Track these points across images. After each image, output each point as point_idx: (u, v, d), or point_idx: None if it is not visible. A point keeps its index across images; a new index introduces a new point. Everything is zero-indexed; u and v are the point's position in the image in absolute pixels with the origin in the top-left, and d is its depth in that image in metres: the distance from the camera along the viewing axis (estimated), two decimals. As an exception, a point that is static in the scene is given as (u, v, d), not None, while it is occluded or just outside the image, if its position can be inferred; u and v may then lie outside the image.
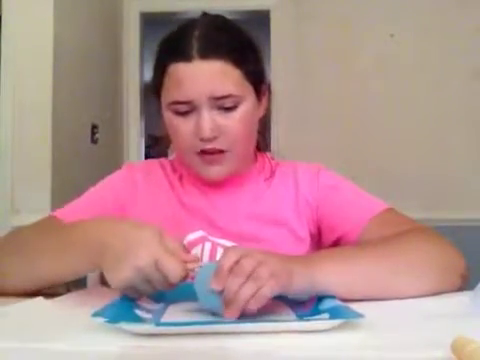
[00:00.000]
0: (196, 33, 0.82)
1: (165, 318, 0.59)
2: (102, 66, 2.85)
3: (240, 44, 0.86)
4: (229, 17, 0.91)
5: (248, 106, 0.84)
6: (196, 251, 0.85)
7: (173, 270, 0.60)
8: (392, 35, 2.98)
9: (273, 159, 1.00)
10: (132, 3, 3.21)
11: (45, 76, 2.13)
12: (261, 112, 0.91)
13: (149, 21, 3.29)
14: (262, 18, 2.99)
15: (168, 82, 0.83)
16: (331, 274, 0.63)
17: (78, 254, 0.69)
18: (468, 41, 2.90)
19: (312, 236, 0.91)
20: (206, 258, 0.84)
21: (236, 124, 0.83)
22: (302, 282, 0.60)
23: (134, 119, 3.21)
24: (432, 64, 2.94)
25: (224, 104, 0.82)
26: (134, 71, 3.20)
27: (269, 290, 0.56)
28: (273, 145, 2.94)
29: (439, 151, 2.90)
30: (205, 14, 0.89)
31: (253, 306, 0.55)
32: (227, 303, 0.56)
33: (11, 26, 2.13)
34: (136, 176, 0.95)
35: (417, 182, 2.86)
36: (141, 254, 0.61)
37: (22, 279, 0.75)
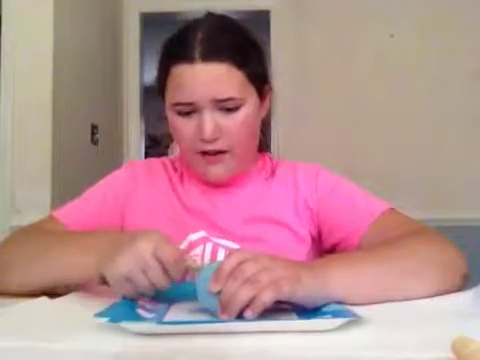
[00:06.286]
0: (199, 35, 0.82)
1: (167, 318, 0.59)
2: (102, 66, 2.85)
3: (243, 46, 0.85)
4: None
5: (250, 108, 0.84)
6: (197, 251, 0.85)
7: (170, 254, 0.60)
8: (392, 35, 2.98)
9: (272, 159, 1.00)
10: (132, 3, 3.21)
11: (45, 76, 2.13)
12: (263, 112, 0.91)
13: (149, 21, 3.29)
14: (262, 18, 2.99)
15: (171, 83, 0.83)
16: (340, 278, 0.62)
17: (88, 259, 0.68)
18: (468, 41, 2.90)
19: (312, 237, 0.91)
20: (207, 259, 0.84)
21: (238, 125, 0.83)
22: (311, 287, 0.58)
23: (134, 119, 3.21)
24: (432, 64, 2.94)
25: (226, 106, 0.82)
26: (134, 71, 3.20)
27: (267, 297, 0.53)
28: (273, 145, 2.95)
29: (439, 151, 2.90)
30: (209, 14, 0.89)
31: (250, 314, 0.53)
32: (223, 306, 0.55)
33: (11, 26, 2.13)
34: (137, 174, 0.95)
35: (417, 182, 2.86)
36: (140, 242, 0.62)
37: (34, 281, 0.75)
